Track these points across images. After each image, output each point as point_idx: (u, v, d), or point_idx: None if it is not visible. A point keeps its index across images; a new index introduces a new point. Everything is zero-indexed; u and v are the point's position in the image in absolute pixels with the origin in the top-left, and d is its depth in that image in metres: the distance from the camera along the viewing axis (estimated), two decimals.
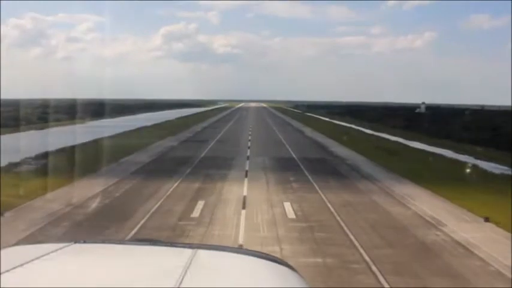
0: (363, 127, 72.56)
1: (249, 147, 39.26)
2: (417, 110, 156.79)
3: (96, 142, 40.76)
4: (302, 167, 28.76)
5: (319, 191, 21.27)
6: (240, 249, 4.24)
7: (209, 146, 39.48)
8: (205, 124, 72.21)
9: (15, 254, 2.77)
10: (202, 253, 2.85)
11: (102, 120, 75.60)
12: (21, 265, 2.42)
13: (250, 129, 60.59)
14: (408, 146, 44.58)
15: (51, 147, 33.10)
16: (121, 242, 4.06)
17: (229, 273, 2.65)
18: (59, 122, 62.72)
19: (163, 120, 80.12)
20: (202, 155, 34.05)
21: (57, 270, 2.53)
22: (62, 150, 33.54)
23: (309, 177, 25.06)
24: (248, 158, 32.73)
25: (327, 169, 28.55)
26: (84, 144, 38.10)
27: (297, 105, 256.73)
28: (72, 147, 34.32)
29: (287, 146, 40.34)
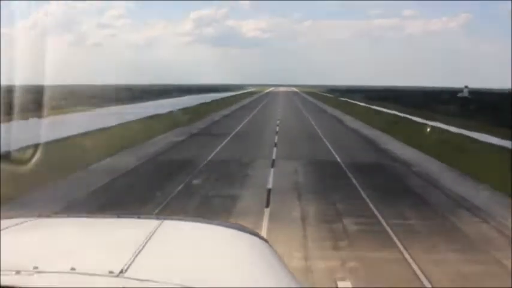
0: (410, 114, 62.08)
1: (275, 145, 29.64)
2: (459, 94, 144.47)
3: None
4: (354, 181, 19.02)
5: (399, 246, 11.56)
6: (209, 221, 3.12)
7: (222, 144, 29.99)
8: (225, 112, 62.85)
9: None
10: (168, 224, 2.87)
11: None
12: None
13: (279, 119, 50.59)
14: (484, 142, 34.13)
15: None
16: (87, 216, 3.24)
17: (191, 242, 2.69)
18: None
19: (181, 106, 71.49)
20: (210, 157, 24.67)
21: (14, 244, 2.50)
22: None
23: (370, 204, 15.40)
24: (273, 163, 23.09)
25: (393, 185, 18.73)
26: None
27: (330, 89, 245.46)
28: None
29: (326, 143, 30.58)
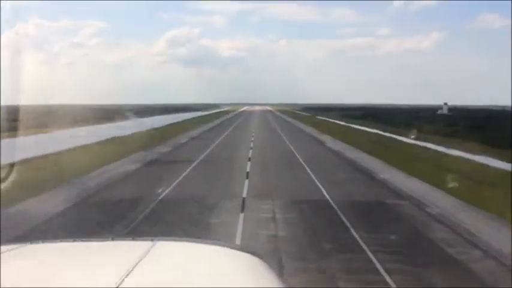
0: (394, 133, 57.46)
1: (247, 176, 24.13)
2: (439, 112, 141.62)
3: None
4: (355, 235, 13.52)
5: None
6: (202, 240, 3.23)
7: (183, 175, 24.38)
8: (194, 133, 57.22)
9: None
10: (161, 244, 2.90)
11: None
12: None
13: (252, 140, 45.44)
14: (504, 170, 28.65)
15: None
16: (82, 240, 3.22)
17: (184, 261, 2.73)
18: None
19: (147, 128, 65.73)
20: (163, 195, 19.04)
21: (11, 270, 2.52)
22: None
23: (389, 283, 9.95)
24: (243, 205, 17.49)
25: (419, 244, 13.29)
26: None
27: (305, 108, 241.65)
28: None
29: (309, 172, 25.23)
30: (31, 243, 3.05)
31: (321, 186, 20.87)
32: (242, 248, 3.07)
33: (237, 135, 54.89)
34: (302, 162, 28.61)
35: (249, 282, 2.53)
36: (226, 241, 3.44)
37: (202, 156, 32.55)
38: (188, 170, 25.81)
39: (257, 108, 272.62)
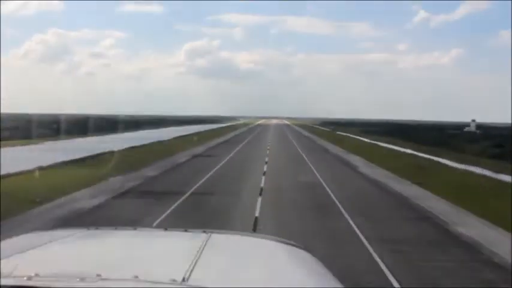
0: (432, 154, 48.81)
1: (255, 222, 15.77)
2: (466, 129, 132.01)
3: None
4: None
5: None
6: (255, 234, 3.64)
7: (162, 217, 16.06)
8: (200, 149, 49.15)
9: (29, 239, 2.84)
10: (216, 236, 2.94)
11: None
12: (34, 249, 2.53)
13: (267, 162, 36.80)
14: None
15: None
16: (135, 228, 3.31)
17: (244, 255, 2.77)
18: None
19: (149, 141, 58.20)
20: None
21: (76, 253, 2.63)
22: None
23: None
24: None
25: None
26: None
27: (323, 122, 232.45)
28: None
29: (345, 214, 16.97)
30: (88, 229, 3.07)
31: (372, 252, 12.46)
32: (296, 244, 3.09)
33: (248, 154, 46.39)
34: (338, 205, 19.63)
35: (308, 279, 2.56)
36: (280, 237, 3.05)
37: (199, 183, 24.47)
38: (170, 210, 17.55)
39: (274, 121, 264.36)
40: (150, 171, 29.40)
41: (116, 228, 3.28)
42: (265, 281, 2.33)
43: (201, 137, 75.74)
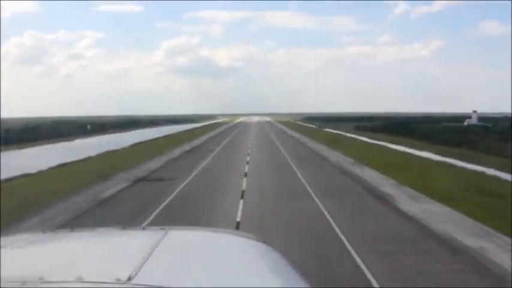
0: (443, 155, 36.53)
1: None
2: (467, 122, 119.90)
3: None
4: None
5: None
6: (214, 229, 3.20)
7: None
8: (176, 152, 36.01)
9: None
10: (173, 233, 2.86)
11: None
12: None
13: (246, 172, 27.58)
14: None
15: None
16: (92, 229, 3.17)
17: (199, 251, 2.65)
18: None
19: (119, 146, 45.82)
20: None
21: (19, 258, 2.52)
22: None
23: None
24: None
25: None
26: None
27: (307, 118, 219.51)
28: None
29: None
30: (43, 232, 2.98)
31: None
32: (254, 238, 3.01)
33: (227, 163, 33.58)
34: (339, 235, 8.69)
35: (266, 273, 2.49)
36: (238, 230, 2.38)
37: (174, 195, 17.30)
38: None
39: (255, 119, 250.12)
40: (107, 190, 17.50)
41: (72, 230, 3.13)
42: (217, 277, 2.24)
43: (167, 142, 62.34)
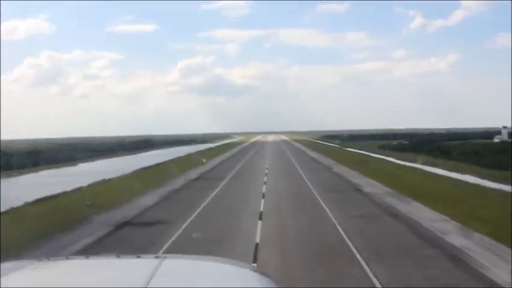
0: (501, 182, 30.06)
1: None
2: (497, 138, 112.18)
3: None
4: None
5: None
6: (208, 257, 3.22)
7: None
8: (179, 182, 29.88)
9: None
10: (169, 262, 2.84)
11: None
12: None
13: (259, 217, 20.13)
14: None
15: None
16: (87, 257, 3.18)
17: (194, 279, 2.66)
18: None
19: (98, 178, 39.85)
20: None
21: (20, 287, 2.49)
22: None
23: None
24: None
25: None
26: None
27: (326, 136, 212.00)
28: None
29: None
30: (38, 260, 2.95)
31: None
32: (251, 267, 3.01)
33: (236, 198, 27.19)
34: None
35: None
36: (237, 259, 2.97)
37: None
38: None
39: (271, 138, 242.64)
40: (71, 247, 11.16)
41: (67, 258, 3.13)
42: None
43: (173, 166, 56.07)
